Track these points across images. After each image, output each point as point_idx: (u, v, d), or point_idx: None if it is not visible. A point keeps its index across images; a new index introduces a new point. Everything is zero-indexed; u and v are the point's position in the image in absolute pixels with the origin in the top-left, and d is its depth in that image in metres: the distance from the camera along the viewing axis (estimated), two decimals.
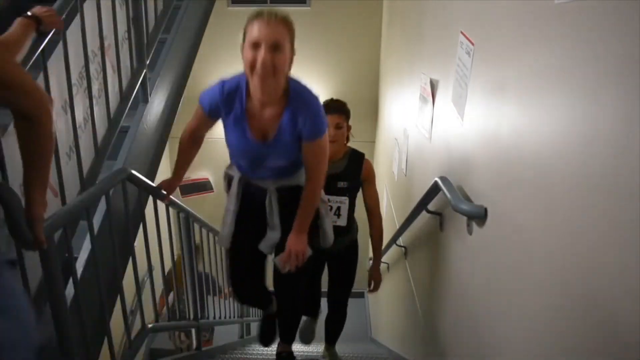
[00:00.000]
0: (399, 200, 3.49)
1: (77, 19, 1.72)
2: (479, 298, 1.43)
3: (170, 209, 2.38)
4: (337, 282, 2.69)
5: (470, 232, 1.50)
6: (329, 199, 2.22)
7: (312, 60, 5.63)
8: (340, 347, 3.03)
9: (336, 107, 2.32)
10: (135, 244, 2.02)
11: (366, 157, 2.45)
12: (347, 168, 2.36)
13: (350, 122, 2.36)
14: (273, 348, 2.49)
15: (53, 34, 1.50)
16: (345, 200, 2.35)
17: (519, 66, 1.15)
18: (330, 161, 2.01)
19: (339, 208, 2.36)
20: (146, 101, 2.30)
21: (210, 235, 3.24)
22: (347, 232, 2.45)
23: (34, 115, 1.18)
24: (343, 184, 2.33)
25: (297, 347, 3.28)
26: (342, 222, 2.38)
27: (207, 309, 3.17)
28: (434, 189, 1.81)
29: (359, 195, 2.45)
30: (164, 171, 5.09)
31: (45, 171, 1.27)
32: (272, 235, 1.93)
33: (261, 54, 1.52)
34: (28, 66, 1.40)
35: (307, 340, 3.05)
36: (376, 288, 2.67)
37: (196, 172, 6.30)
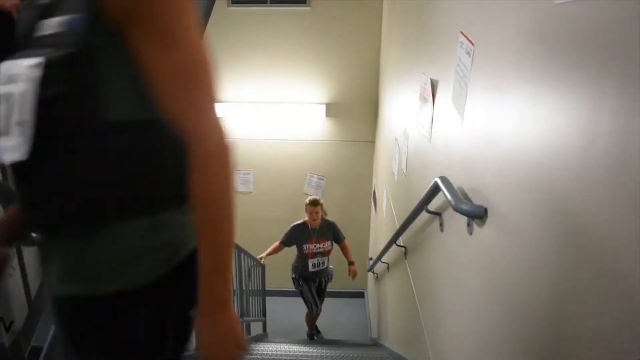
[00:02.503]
0: (399, 200, 3.48)
1: None
2: (480, 298, 1.43)
3: None
4: None
5: (470, 232, 1.50)
6: None
7: (312, 60, 5.62)
8: (340, 348, 2.99)
9: None
10: None
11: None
12: None
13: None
14: (273, 348, 2.49)
15: None
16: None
17: (519, 66, 1.15)
18: None
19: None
20: None
21: None
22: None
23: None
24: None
25: (300, 348, 3.26)
26: None
27: None
28: (434, 189, 1.81)
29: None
30: None
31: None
32: None
33: None
34: None
35: None
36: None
37: None
